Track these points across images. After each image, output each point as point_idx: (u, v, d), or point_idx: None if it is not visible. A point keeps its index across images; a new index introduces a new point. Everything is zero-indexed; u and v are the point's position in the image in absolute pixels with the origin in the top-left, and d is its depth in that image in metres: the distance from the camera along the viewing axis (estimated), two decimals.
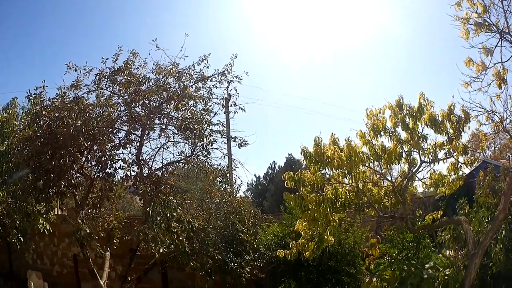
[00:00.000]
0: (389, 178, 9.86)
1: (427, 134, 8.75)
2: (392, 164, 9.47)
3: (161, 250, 10.76)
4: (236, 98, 10.79)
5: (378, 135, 8.93)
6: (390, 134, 8.86)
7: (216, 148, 10.67)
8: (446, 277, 9.07)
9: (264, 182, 35.48)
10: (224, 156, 11.10)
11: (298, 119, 57.51)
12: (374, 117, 9.09)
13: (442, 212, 9.90)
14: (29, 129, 11.50)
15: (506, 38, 8.64)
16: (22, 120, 12.16)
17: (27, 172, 10.96)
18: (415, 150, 8.97)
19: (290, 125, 56.21)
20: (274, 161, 37.54)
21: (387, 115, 8.88)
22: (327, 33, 60.23)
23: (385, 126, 8.87)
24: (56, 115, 10.80)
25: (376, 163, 9.56)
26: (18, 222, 13.38)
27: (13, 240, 14.27)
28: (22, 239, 14.17)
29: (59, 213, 13.06)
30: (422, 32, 55.09)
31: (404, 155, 9.01)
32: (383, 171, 10.20)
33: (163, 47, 10.54)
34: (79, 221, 10.87)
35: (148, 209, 10.10)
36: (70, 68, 10.88)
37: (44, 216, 13.06)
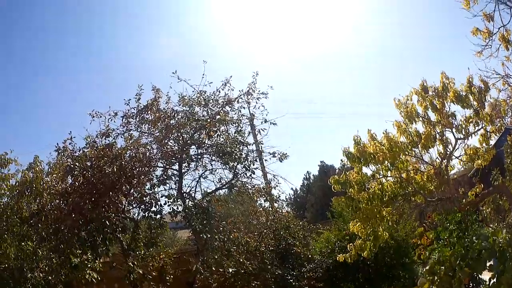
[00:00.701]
0: (429, 162, 10.00)
1: (454, 111, 8.93)
2: (429, 148, 9.60)
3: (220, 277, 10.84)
4: (267, 114, 10.88)
5: (413, 122, 9.04)
6: (422, 119, 8.98)
7: (256, 168, 10.73)
8: (500, 245, 9.24)
9: (302, 194, 35.58)
10: (266, 175, 11.22)
11: (321, 124, 57.63)
12: (403, 106, 9.21)
13: (481, 186, 10.08)
14: (62, 183, 11.51)
15: (501, 1, 8.92)
16: (54, 175, 12.08)
17: (68, 225, 10.94)
18: (447, 129, 9.13)
19: (316, 132, 56.32)
20: (308, 171, 37.62)
21: (415, 101, 9.08)
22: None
23: (417, 112, 8.99)
24: (88, 164, 10.85)
25: (415, 150, 9.69)
26: (63, 276, 13.42)
27: None
28: None
29: (105, 259, 13.06)
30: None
31: (438, 136, 9.11)
32: (422, 157, 10.34)
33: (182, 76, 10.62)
34: (130, 264, 10.93)
35: (203, 237, 10.17)
36: (94, 116, 10.96)
37: (89, 265, 13.13)
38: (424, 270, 10.50)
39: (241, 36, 58.93)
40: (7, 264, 13.02)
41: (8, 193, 13.73)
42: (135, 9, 55.55)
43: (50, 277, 13.69)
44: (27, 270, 13.22)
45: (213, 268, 11.73)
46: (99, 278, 14.06)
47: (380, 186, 9.17)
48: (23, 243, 12.91)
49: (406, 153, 9.20)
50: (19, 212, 13.30)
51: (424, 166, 10.12)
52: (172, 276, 12.34)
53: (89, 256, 12.46)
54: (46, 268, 13.68)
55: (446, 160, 9.44)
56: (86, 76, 58.26)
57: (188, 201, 10.89)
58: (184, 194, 10.94)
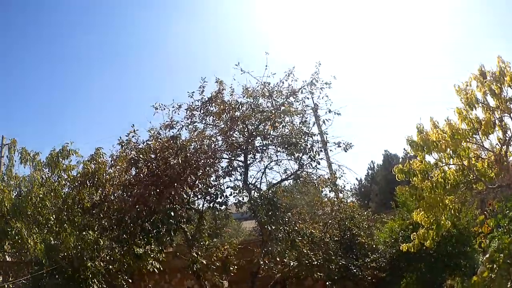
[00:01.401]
0: (489, 149, 9.89)
1: None
2: (489, 134, 9.49)
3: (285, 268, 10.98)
4: (331, 104, 10.86)
5: (473, 108, 8.98)
6: (482, 104, 8.94)
7: (322, 158, 10.75)
8: None
9: (367, 183, 35.60)
10: (331, 165, 11.25)
11: (384, 114, 57.47)
12: (463, 92, 9.10)
13: None
14: (125, 175, 11.71)
15: None
16: (117, 167, 12.34)
17: (132, 216, 11.15)
18: (505, 114, 9.04)
19: (380, 121, 56.25)
20: (372, 161, 37.63)
21: (474, 87, 9.06)
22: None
23: (476, 98, 8.98)
24: (153, 156, 11.03)
25: (475, 136, 9.60)
26: (125, 265, 13.77)
27: (119, 283, 14.62)
28: (130, 280, 14.52)
29: (168, 250, 13.38)
30: None
31: (497, 122, 9.05)
32: (482, 143, 10.21)
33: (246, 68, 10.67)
34: (194, 254, 11.13)
35: (268, 228, 10.28)
36: (157, 109, 11.10)
37: (152, 255, 13.45)
38: (484, 258, 10.44)
39: (303, 26, 59.23)
40: (65, 253, 13.47)
41: (69, 183, 14.16)
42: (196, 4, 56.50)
43: (111, 266, 14.12)
44: (87, 259, 13.66)
45: (277, 259, 11.89)
46: (161, 268, 14.45)
47: (443, 174, 9.26)
48: (84, 233, 13.29)
49: (468, 140, 9.21)
50: (80, 202, 13.71)
51: (485, 152, 10.00)
52: (236, 266, 12.59)
53: (153, 246, 12.78)
54: (108, 258, 14.10)
55: (505, 146, 9.36)
56: (148, 69, 59.97)
57: (254, 192, 11.06)
58: (250, 185, 11.10)
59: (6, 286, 13.23)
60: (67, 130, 63.92)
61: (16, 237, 12.35)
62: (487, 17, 53.97)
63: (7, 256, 14.96)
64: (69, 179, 14.11)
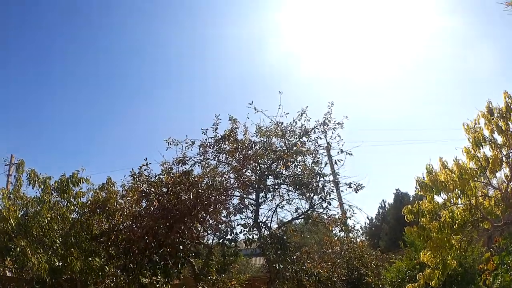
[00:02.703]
0: (496, 186, 10.08)
1: None
2: (497, 172, 9.68)
3: None
4: (343, 144, 11.12)
5: (480, 147, 9.15)
6: (490, 143, 9.11)
7: (333, 199, 10.95)
8: None
9: (377, 222, 35.82)
10: (342, 205, 11.45)
11: (396, 151, 57.95)
12: (472, 130, 9.32)
13: None
14: (136, 206, 11.91)
15: None
16: (128, 198, 12.56)
17: (141, 247, 11.32)
18: None
19: (392, 160, 56.73)
20: (383, 200, 37.89)
21: (482, 124, 9.22)
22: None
23: (484, 136, 9.17)
24: (164, 190, 11.23)
25: (483, 175, 9.79)
26: None
27: None
28: None
29: (175, 282, 13.54)
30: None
31: (504, 159, 9.16)
32: (490, 181, 10.40)
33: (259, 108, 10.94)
34: None
35: (276, 267, 10.47)
36: (170, 144, 11.34)
37: (158, 286, 13.61)
38: None
39: (312, 67, 59.87)
40: (69, 276, 13.64)
41: (78, 209, 14.38)
42: (208, 41, 57.35)
43: None
44: (91, 284, 13.83)
45: None
46: None
47: (450, 214, 9.46)
48: (90, 258, 13.48)
49: (475, 179, 9.35)
50: (89, 228, 13.91)
51: (492, 190, 10.19)
52: None
53: (160, 278, 12.95)
54: (112, 285, 14.28)
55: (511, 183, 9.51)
56: (162, 104, 60.88)
57: (264, 231, 11.29)
58: (260, 223, 11.31)
59: None
60: (80, 154, 64.49)
61: (20, 254, 12.56)
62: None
63: (7, 271, 15.16)
64: (78, 205, 14.36)
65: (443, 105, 61.09)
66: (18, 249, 12.49)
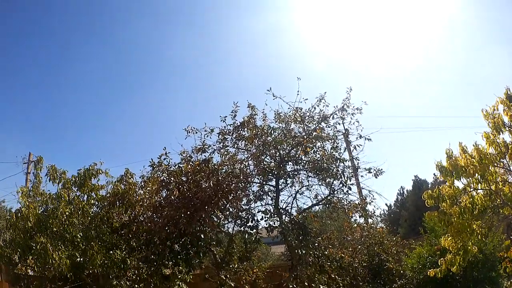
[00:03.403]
0: None
1: None
2: None
3: None
4: (362, 130, 11.17)
5: (500, 132, 9.19)
6: (509, 129, 9.12)
7: (352, 184, 11.00)
8: None
9: (396, 209, 35.89)
10: (361, 190, 11.50)
11: (414, 138, 57.88)
12: (491, 116, 9.34)
13: None
14: (156, 197, 12.00)
15: None
16: (147, 188, 12.70)
17: (162, 237, 11.39)
18: None
19: (411, 146, 56.76)
20: (402, 186, 38.02)
21: (501, 110, 9.26)
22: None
23: (503, 121, 9.21)
24: (184, 179, 11.31)
25: (503, 161, 9.80)
26: (152, 285, 14.03)
27: None
28: None
29: (196, 272, 13.66)
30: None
31: None
32: (510, 167, 10.39)
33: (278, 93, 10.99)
34: (222, 276, 11.35)
35: (298, 252, 10.53)
36: (189, 132, 11.43)
37: (180, 276, 13.72)
38: (509, 283, 10.62)
39: (333, 51, 60.02)
40: (91, 271, 13.79)
41: (98, 203, 14.56)
42: (229, 30, 57.89)
43: (137, 286, 14.41)
44: (113, 278, 13.98)
45: (306, 283, 12.12)
46: None
47: (471, 199, 9.42)
48: (111, 252, 13.62)
49: (495, 164, 9.37)
50: (109, 221, 14.07)
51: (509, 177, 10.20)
52: None
53: (181, 268, 13.06)
54: (134, 277, 14.41)
55: None
56: (182, 94, 61.49)
57: (285, 217, 11.32)
58: (281, 209, 11.34)
59: None
60: (97, 150, 65.35)
61: (41, 252, 12.73)
62: None
63: (29, 270, 15.36)
64: (97, 198, 14.53)
65: (462, 93, 60.63)
66: (38, 246, 12.70)
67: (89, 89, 64.06)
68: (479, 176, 9.25)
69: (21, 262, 14.29)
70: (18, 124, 61.61)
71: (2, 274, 16.22)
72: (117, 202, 14.07)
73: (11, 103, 60.65)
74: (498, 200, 9.60)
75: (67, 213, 13.65)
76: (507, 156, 9.40)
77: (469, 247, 9.89)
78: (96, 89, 65.39)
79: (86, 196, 14.64)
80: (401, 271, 13.31)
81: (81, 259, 13.61)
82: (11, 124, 60.98)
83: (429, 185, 28.66)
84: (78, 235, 13.71)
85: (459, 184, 9.66)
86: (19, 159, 23.44)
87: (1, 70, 56.71)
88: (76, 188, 14.70)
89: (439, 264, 10.02)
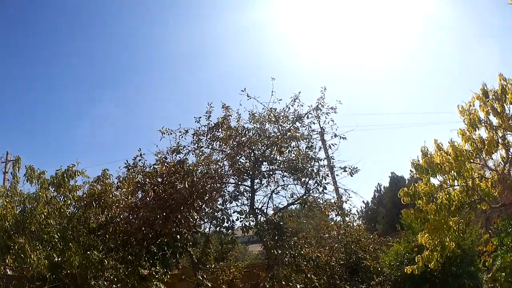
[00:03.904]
0: (493, 168, 10.17)
1: None
2: (493, 153, 9.79)
3: None
4: (336, 129, 11.20)
5: (476, 128, 9.25)
6: (485, 124, 9.21)
7: (328, 183, 11.06)
8: None
9: (373, 206, 36.05)
10: (337, 189, 11.56)
11: (391, 135, 58.06)
12: (467, 112, 9.41)
13: None
14: (131, 198, 11.99)
15: None
16: (123, 189, 12.67)
17: (138, 238, 11.41)
18: (508, 132, 9.33)
19: (386, 144, 56.95)
20: (379, 183, 38.14)
21: (477, 106, 9.30)
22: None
23: (479, 118, 9.25)
24: (159, 180, 11.31)
25: (479, 156, 9.88)
26: (129, 286, 14.02)
27: None
28: None
29: (174, 272, 13.69)
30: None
31: (500, 140, 9.26)
32: (486, 163, 10.48)
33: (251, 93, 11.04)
34: (199, 277, 11.39)
35: (274, 252, 10.58)
36: (164, 133, 11.40)
37: (157, 277, 13.73)
38: (487, 277, 10.74)
39: (306, 51, 59.90)
40: (69, 271, 13.77)
41: (74, 203, 14.49)
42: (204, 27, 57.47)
43: (115, 286, 14.40)
44: (91, 278, 13.96)
45: (283, 283, 12.18)
46: None
47: (447, 196, 9.53)
48: (88, 252, 13.60)
49: (471, 160, 9.46)
50: (86, 222, 14.02)
51: (489, 172, 10.29)
52: None
53: (159, 268, 13.06)
54: (112, 277, 14.39)
55: (508, 164, 9.62)
56: (154, 92, 61.18)
57: (260, 217, 11.35)
58: (256, 209, 11.39)
59: None
60: (72, 151, 64.91)
61: (19, 252, 12.67)
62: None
63: (8, 270, 15.29)
64: (74, 199, 14.46)
65: (437, 89, 61.07)
66: (17, 246, 12.63)
67: (67, 86, 63.28)
68: (455, 173, 9.30)
69: (0, 261, 14.24)
70: None
71: None
72: (94, 203, 14.01)
73: None
74: (475, 196, 9.68)
75: (44, 214, 13.60)
76: (483, 152, 9.48)
77: (447, 243, 9.98)
78: (74, 85, 64.59)
79: (63, 197, 14.61)
80: (379, 269, 13.38)
81: (59, 259, 13.61)
82: None
83: (406, 182, 28.90)
84: (55, 235, 13.68)
85: (435, 181, 9.76)
86: None
87: None
88: (54, 189, 14.66)
89: (416, 261, 10.09)
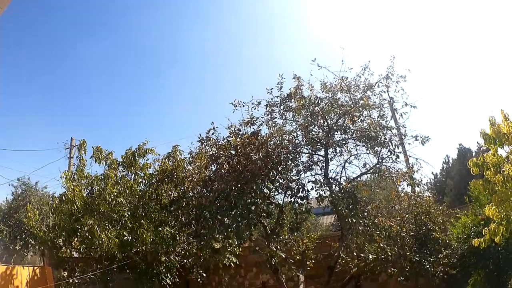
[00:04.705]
0: None
1: None
2: None
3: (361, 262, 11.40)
4: (407, 97, 11.29)
5: None
6: None
7: (400, 152, 11.15)
8: None
9: (442, 178, 35.78)
10: (408, 159, 11.66)
11: (458, 106, 57.15)
12: None
13: None
14: (205, 171, 12.27)
15: None
16: (196, 164, 13.09)
17: (212, 211, 11.66)
18: None
19: (456, 115, 56.03)
20: (447, 155, 37.82)
21: None
22: None
23: None
24: (233, 152, 11.54)
25: None
26: (201, 259, 14.46)
27: (193, 277, 15.33)
28: (204, 274, 15.25)
29: (246, 244, 14.08)
30: None
31: None
32: None
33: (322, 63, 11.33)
34: (273, 248, 11.59)
35: (348, 221, 10.74)
36: (236, 106, 11.63)
37: (230, 249, 14.14)
38: None
39: (377, 21, 59.40)
40: (139, 249, 14.29)
41: (145, 181, 15.04)
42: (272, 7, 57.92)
43: (186, 261, 14.88)
44: (162, 254, 14.47)
45: (355, 253, 12.38)
46: (238, 263, 15.13)
47: None
48: (160, 229, 14.10)
49: None
50: (157, 199, 14.54)
51: None
52: (313, 261, 13.10)
53: (232, 241, 13.42)
54: (183, 252, 14.88)
55: None
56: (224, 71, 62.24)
57: (334, 186, 11.48)
58: (330, 179, 11.53)
59: (71, 281, 14.14)
60: (142, 129, 66.47)
61: (87, 234, 13.22)
62: None
63: (74, 252, 15.96)
64: (145, 177, 15.02)
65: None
66: (85, 228, 13.21)
67: (125, 72, 64.74)
68: None
69: (66, 245, 14.90)
70: (56, 112, 63.03)
71: (45, 259, 16.95)
72: (166, 179, 14.54)
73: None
74: None
75: (114, 193, 14.18)
76: None
77: None
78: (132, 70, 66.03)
79: (133, 175, 15.19)
80: (447, 241, 13.33)
81: (129, 238, 14.16)
82: (51, 111, 62.50)
83: (473, 154, 28.45)
84: (126, 214, 14.24)
85: (503, 152, 9.72)
86: (61, 145, 24.06)
87: (44, 58, 57.83)
88: (123, 168, 15.24)
89: (483, 234, 9.98)
